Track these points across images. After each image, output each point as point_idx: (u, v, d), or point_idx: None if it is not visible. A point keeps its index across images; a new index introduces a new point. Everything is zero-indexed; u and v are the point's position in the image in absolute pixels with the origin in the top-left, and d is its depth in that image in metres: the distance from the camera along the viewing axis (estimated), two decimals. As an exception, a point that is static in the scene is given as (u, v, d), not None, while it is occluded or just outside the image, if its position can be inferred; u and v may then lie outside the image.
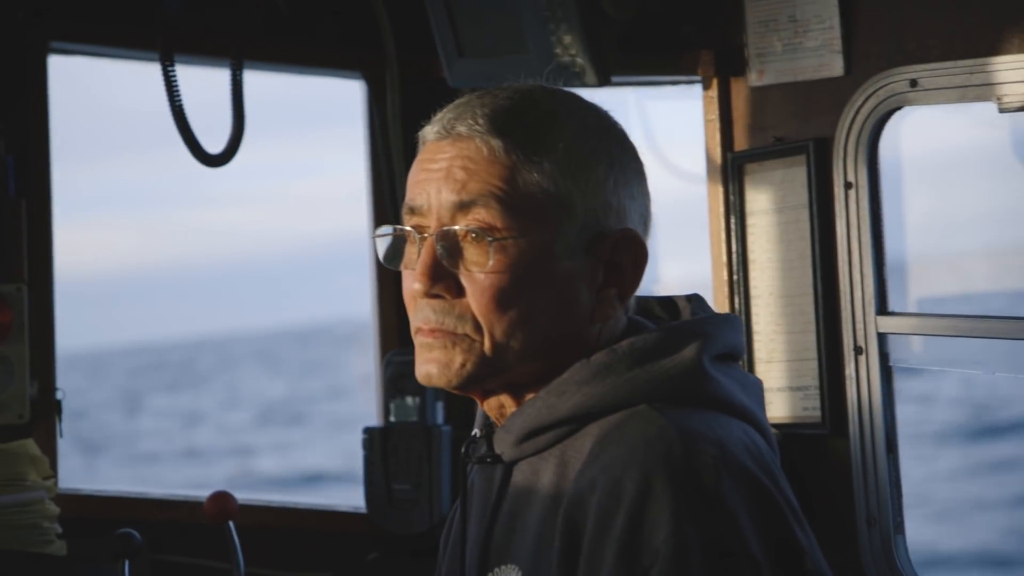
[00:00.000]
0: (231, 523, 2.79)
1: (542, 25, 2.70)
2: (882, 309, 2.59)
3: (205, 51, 2.87)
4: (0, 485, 2.73)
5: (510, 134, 1.71)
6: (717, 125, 2.73)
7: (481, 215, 1.70)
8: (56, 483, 2.84)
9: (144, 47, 2.76)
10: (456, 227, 1.71)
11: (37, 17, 3.02)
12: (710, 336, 1.73)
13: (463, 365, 1.72)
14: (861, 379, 2.59)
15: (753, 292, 2.72)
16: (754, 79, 2.68)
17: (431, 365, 1.73)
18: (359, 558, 3.11)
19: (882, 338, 2.58)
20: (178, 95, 2.62)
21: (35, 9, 3.01)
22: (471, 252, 1.70)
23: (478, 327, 1.71)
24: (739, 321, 1.81)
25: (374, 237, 1.80)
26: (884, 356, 2.58)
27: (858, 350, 2.59)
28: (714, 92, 2.73)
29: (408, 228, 1.75)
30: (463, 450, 1.82)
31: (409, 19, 3.03)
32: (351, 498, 3.28)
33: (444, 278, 1.71)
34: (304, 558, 3.16)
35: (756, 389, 1.78)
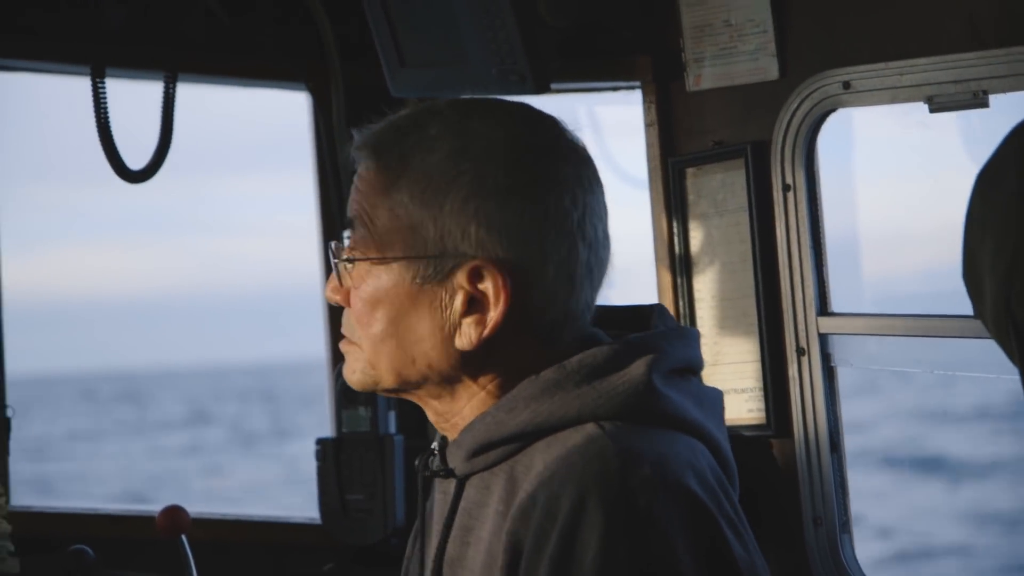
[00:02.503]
0: (183, 537, 2.79)
1: (481, 33, 2.70)
2: (823, 310, 2.59)
3: (142, 65, 2.85)
4: (-50, 505, 2.72)
5: (384, 157, 1.72)
6: (657, 130, 2.74)
7: (355, 235, 1.75)
8: (8, 501, 2.83)
9: (78, 61, 2.73)
10: (340, 244, 1.76)
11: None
12: (662, 351, 1.70)
13: (353, 372, 1.78)
14: (804, 380, 2.60)
15: (697, 296, 2.72)
16: (691, 84, 2.68)
17: (345, 371, 1.79)
18: (314, 569, 3.11)
19: (824, 339, 2.59)
20: (105, 110, 2.61)
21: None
22: (353, 269, 1.75)
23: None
24: (695, 334, 1.78)
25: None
26: (826, 356, 2.59)
27: (800, 351, 2.59)
28: (653, 97, 2.74)
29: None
30: (416, 463, 1.82)
31: (352, 28, 3.02)
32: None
33: (339, 290, 1.77)
34: (259, 570, 3.15)
35: (715, 402, 1.76)
